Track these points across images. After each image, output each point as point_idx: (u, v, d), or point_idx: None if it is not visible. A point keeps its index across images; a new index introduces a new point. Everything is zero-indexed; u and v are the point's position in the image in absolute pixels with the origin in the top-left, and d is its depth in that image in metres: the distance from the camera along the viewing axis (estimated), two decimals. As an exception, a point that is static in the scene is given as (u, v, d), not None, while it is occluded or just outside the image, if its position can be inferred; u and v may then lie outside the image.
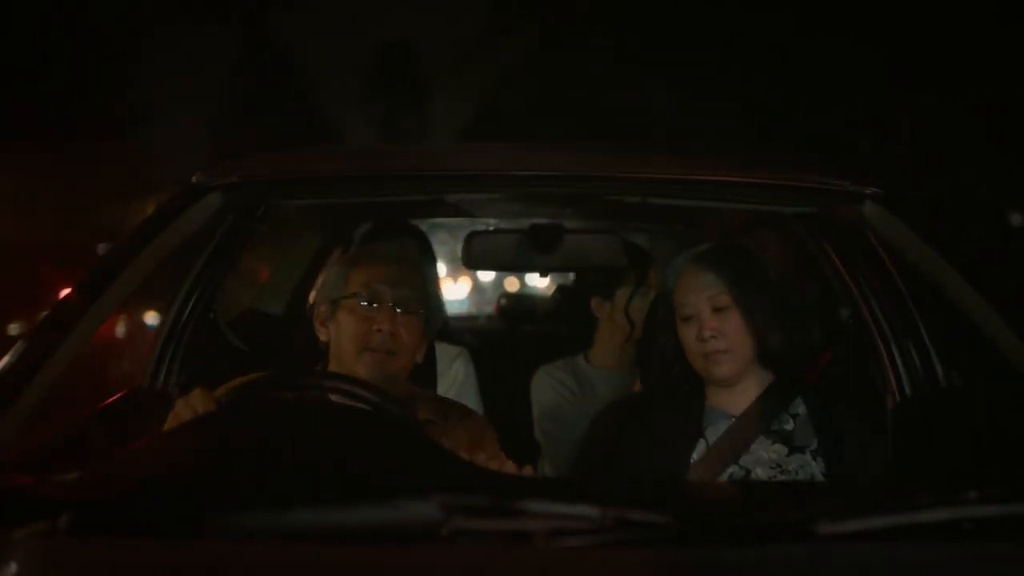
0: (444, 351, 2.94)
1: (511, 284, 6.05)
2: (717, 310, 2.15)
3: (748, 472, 2.14)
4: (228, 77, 13.49)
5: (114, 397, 2.75)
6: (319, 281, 2.25)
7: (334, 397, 1.85)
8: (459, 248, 3.23)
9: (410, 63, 14.34)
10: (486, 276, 6.31)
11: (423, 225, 3.66)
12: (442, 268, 5.24)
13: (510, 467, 1.86)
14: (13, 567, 1.17)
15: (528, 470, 1.93)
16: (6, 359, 1.69)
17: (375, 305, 2.10)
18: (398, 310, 2.10)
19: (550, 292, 4.42)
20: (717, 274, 2.17)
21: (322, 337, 2.19)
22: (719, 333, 2.13)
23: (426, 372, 2.51)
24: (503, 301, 4.92)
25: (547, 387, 3.09)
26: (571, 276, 4.02)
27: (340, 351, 2.12)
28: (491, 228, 3.74)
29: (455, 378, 2.92)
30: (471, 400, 2.76)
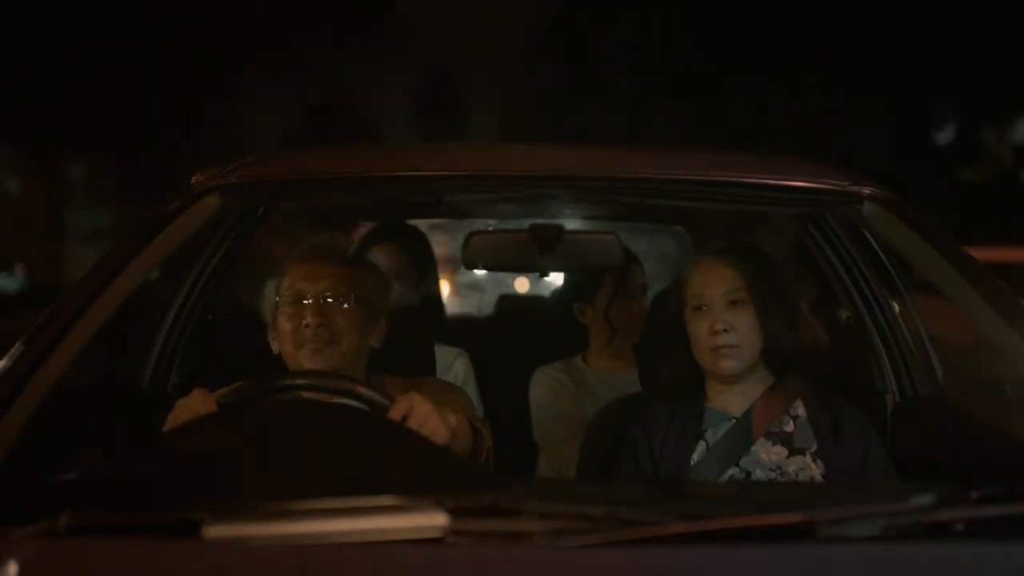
0: (443, 352, 2.94)
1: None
2: (732, 304, 2.15)
3: (748, 474, 2.13)
4: (299, 107, 14.56)
5: (114, 398, 2.75)
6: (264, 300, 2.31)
7: (331, 397, 1.85)
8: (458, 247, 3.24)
9: (448, 86, 15.30)
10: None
11: (422, 225, 3.66)
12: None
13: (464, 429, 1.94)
14: (13, 567, 1.17)
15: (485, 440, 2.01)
16: (5, 360, 1.69)
17: (300, 302, 2.16)
18: (327, 301, 2.15)
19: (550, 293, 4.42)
20: (736, 269, 2.17)
21: (274, 350, 2.23)
22: (731, 328, 2.13)
23: (425, 373, 2.51)
24: (503, 302, 4.91)
25: (546, 387, 3.09)
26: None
27: (285, 354, 2.18)
28: (490, 228, 3.74)
29: (455, 379, 2.92)
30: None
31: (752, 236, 3.17)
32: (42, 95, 11.99)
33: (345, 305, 2.16)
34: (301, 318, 2.14)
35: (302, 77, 14.31)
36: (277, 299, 2.20)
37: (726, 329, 2.13)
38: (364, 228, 3.61)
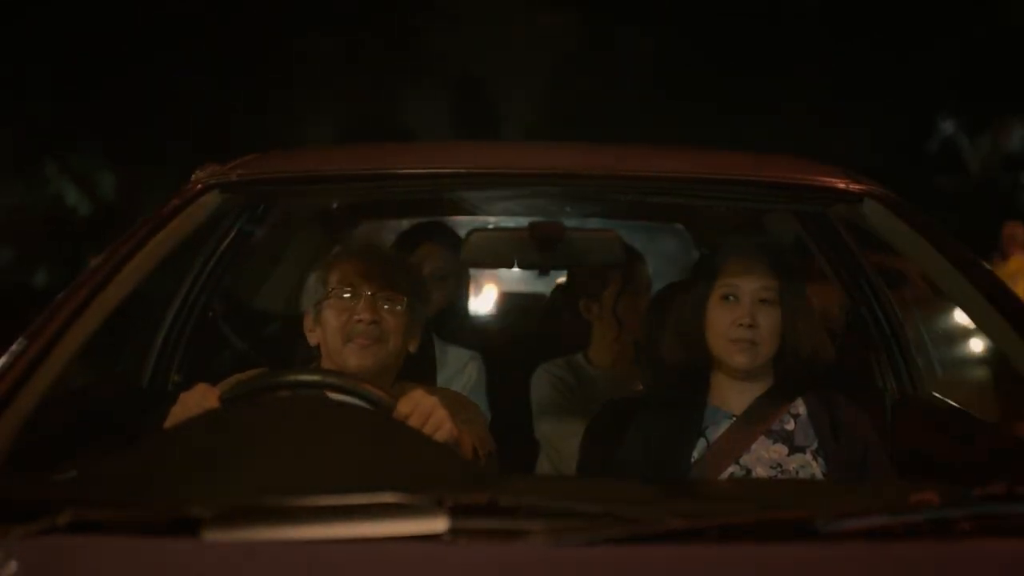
0: (457, 354, 2.93)
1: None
2: (762, 301, 2.15)
3: (748, 472, 2.13)
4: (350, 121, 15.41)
5: (114, 396, 2.75)
6: (304, 290, 2.29)
7: (333, 395, 1.85)
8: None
9: (484, 98, 16.07)
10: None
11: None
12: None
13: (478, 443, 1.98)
14: (13, 567, 1.17)
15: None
16: (5, 359, 1.68)
17: (353, 298, 2.16)
18: (381, 300, 2.16)
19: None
20: (773, 268, 2.17)
21: (311, 341, 2.23)
22: (756, 323, 2.13)
23: (425, 372, 2.51)
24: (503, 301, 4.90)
25: (547, 385, 3.08)
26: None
27: (328, 347, 2.18)
28: (491, 226, 3.73)
29: (467, 381, 2.91)
30: (479, 403, 2.74)
31: (753, 234, 3.16)
32: (130, 107, 12.82)
33: (398, 307, 2.17)
34: (353, 313, 2.14)
35: (352, 96, 14.98)
36: (330, 291, 2.18)
37: (751, 324, 2.13)
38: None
